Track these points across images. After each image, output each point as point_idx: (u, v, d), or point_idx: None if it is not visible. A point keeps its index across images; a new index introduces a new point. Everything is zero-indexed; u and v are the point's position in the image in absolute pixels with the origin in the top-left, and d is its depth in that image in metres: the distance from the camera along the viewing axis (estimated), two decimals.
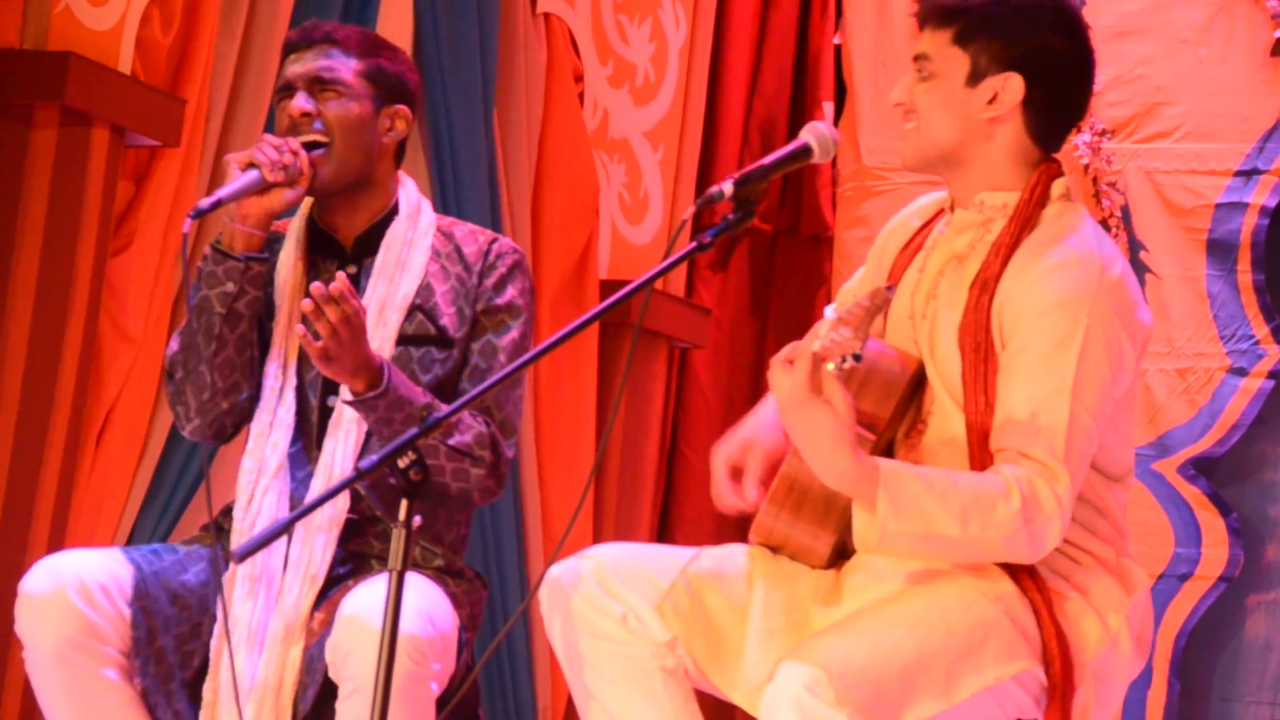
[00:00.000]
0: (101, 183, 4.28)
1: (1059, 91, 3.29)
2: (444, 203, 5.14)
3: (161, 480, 4.49)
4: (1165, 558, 5.90)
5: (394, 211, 3.66)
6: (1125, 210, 6.04)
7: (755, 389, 6.23)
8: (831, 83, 6.57)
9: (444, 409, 3.45)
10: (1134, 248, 6.00)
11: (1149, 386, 5.90)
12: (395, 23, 5.10)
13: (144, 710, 3.40)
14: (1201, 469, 5.92)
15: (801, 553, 3.28)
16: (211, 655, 3.44)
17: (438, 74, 5.16)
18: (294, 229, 3.67)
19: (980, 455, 3.16)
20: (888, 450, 3.28)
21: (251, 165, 3.48)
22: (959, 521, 3.04)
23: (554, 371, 5.60)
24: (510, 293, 3.64)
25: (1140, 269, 5.96)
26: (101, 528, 4.36)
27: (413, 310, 3.59)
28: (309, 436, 3.58)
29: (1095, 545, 3.24)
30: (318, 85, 3.60)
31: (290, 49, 3.65)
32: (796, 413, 3.02)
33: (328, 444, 3.54)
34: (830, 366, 2.97)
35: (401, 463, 2.84)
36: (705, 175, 6.31)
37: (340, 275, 3.39)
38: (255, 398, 3.59)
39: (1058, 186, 3.30)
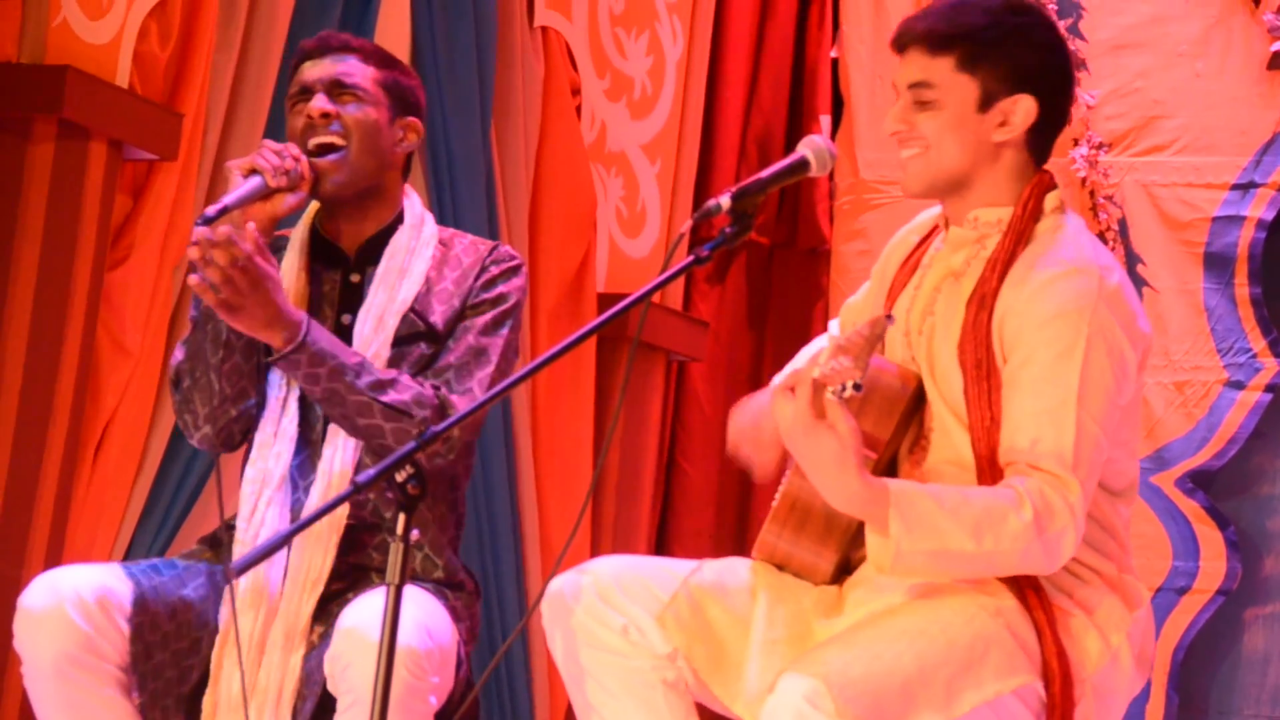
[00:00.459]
0: (99, 196, 4.28)
1: (1059, 107, 3.31)
2: (441, 215, 5.14)
3: (159, 493, 4.49)
4: (1163, 571, 5.90)
5: (398, 221, 3.67)
6: (1122, 223, 6.04)
7: None
8: (829, 96, 6.57)
9: (379, 371, 3.45)
10: (1131, 261, 6.00)
11: (1147, 400, 5.90)
12: (392, 36, 5.10)
13: None
14: (1199, 482, 5.92)
15: (804, 571, 3.28)
16: (211, 668, 3.44)
17: (435, 87, 5.16)
18: (297, 237, 3.67)
19: (989, 471, 3.16)
20: (891, 468, 3.28)
21: (254, 171, 3.48)
22: (972, 536, 3.04)
23: (552, 385, 5.60)
24: (499, 288, 3.63)
25: (1137, 282, 5.96)
26: (99, 541, 4.36)
27: (406, 313, 3.59)
28: (313, 447, 3.58)
29: (1097, 561, 3.24)
30: (336, 89, 3.61)
31: (305, 56, 3.66)
32: (801, 440, 3.03)
33: (326, 452, 3.54)
34: (830, 394, 2.98)
35: (399, 476, 2.84)
36: (702, 189, 6.31)
37: (246, 228, 3.36)
38: (261, 406, 3.59)
39: (1051, 199, 3.30)
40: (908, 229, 3.51)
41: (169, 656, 3.44)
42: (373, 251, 3.65)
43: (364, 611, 3.29)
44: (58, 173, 4.23)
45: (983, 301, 3.22)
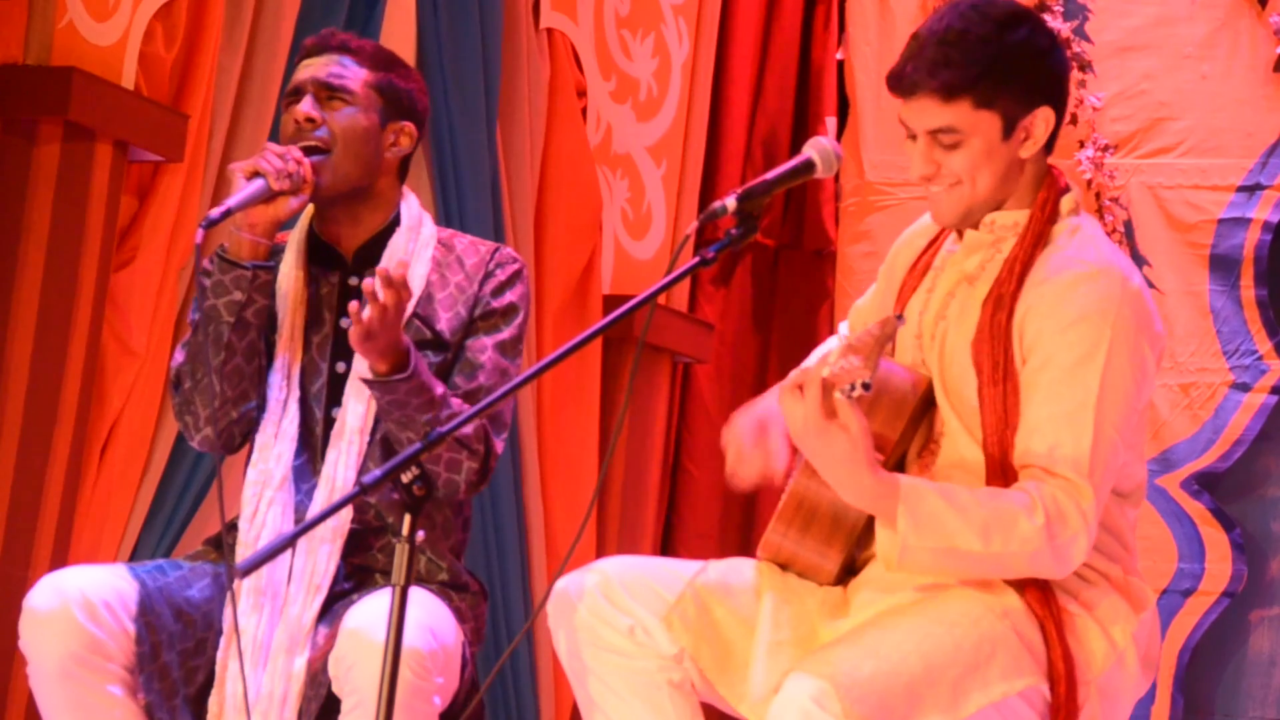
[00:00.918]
0: (105, 198, 4.28)
1: (1066, 99, 3.32)
2: (446, 217, 5.14)
3: (165, 495, 4.49)
4: (1169, 573, 5.89)
5: (395, 223, 3.66)
6: (1128, 225, 6.04)
7: None
8: (834, 98, 6.57)
9: (454, 403, 3.46)
10: (1137, 263, 5.99)
11: (1153, 402, 5.89)
12: (398, 37, 5.10)
13: None
14: (1205, 484, 5.92)
15: (810, 570, 3.28)
16: (217, 669, 3.44)
17: (441, 89, 5.16)
18: (294, 240, 3.67)
19: (1001, 472, 3.16)
20: (899, 470, 3.27)
21: (257, 174, 3.48)
22: (980, 537, 3.06)
23: (557, 386, 5.60)
24: (508, 297, 3.63)
25: None
26: (105, 542, 4.36)
27: (410, 319, 3.59)
28: (313, 449, 3.58)
29: (1103, 563, 3.24)
30: (325, 91, 3.60)
31: (306, 54, 3.66)
32: (812, 439, 3.06)
33: (330, 455, 3.54)
34: (839, 394, 2.99)
35: (405, 477, 2.84)
36: (708, 190, 6.31)
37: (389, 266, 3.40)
38: (262, 408, 3.59)
39: (1067, 201, 3.30)
40: (914, 229, 3.51)
41: (175, 657, 3.44)
42: (371, 254, 3.64)
43: (368, 613, 3.29)
44: (63, 174, 4.23)
45: (1000, 302, 3.21)
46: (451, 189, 5.20)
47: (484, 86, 5.30)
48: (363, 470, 3.52)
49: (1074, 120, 5.97)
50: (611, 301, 5.77)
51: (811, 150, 3.19)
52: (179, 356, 3.60)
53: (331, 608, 3.47)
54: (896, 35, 6.32)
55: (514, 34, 5.45)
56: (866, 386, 2.98)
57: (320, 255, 3.67)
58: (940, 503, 3.07)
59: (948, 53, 3.20)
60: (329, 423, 3.56)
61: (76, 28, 4.25)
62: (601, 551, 5.64)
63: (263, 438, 3.57)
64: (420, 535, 2.85)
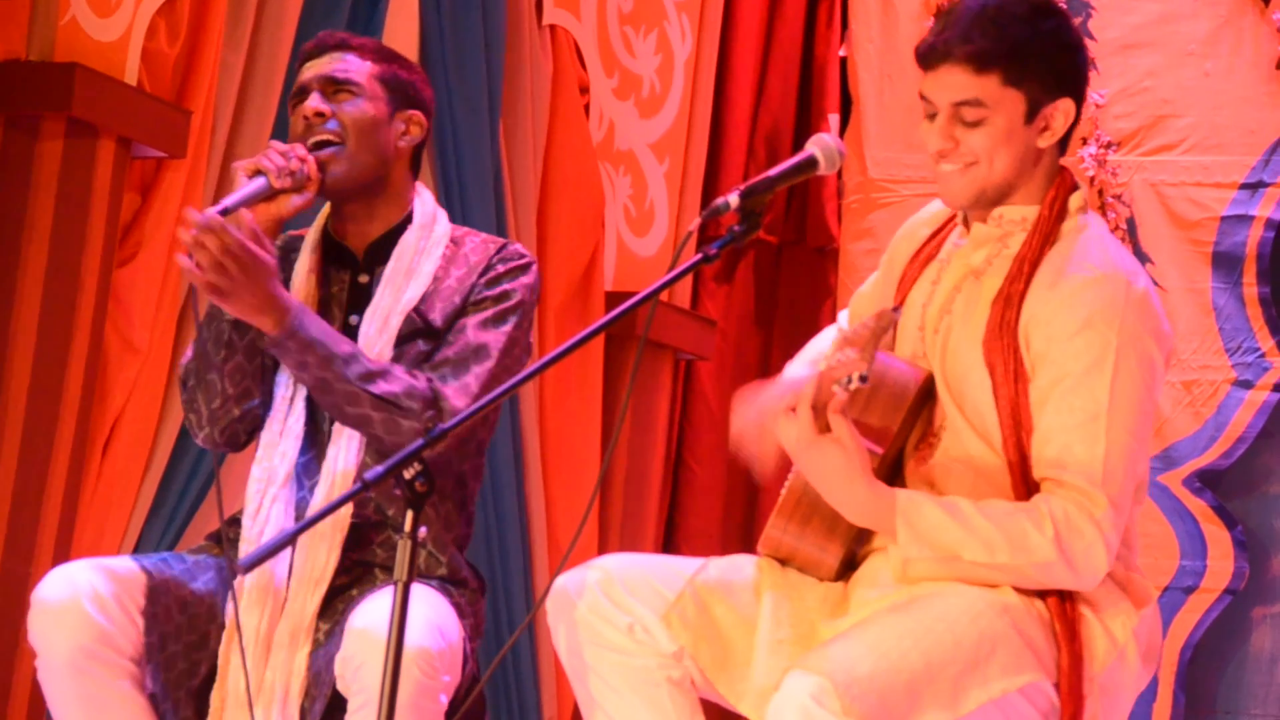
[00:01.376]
0: (107, 194, 4.28)
1: (1084, 103, 3.32)
2: (450, 214, 5.09)
3: (167, 490, 4.49)
4: (1170, 570, 5.89)
5: (408, 221, 3.66)
6: (1131, 223, 6.04)
7: None
8: (837, 95, 6.56)
9: (371, 362, 3.45)
10: (1139, 260, 5.98)
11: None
12: (401, 34, 5.10)
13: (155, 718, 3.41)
14: (1207, 481, 5.92)
15: (810, 565, 3.28)
16: (219, 663, 3.44)
17: (443, 85, 5.17)
18: (309, 239, 3.68)
19: (1022, 478, 3.17)
20: (897, 462, 3.28)
21: (259, 172, 3.48)
22: (985, 549, 3.08)
23: (559, 383, 5.60)
24: (504, 286, 3.61)
25: None
26: (107, 538, 4.36)
27: (409, 314, 3.59)
28: (319, 447, 3.58)
29: None
30: (332, 86, 3.62)
31: (305, 58, 3.67)
32: (807, 456, 3.10)
33: (331, 451, 3.54)
34: (836, 387, 3.00)
35: (407, 473, 2.84)
36: (711, 187, 6.31)
37: (241, 214, 3.39)
38: (267, 406, 3.59)
39: (1075, 199, 3.30)
40: (917, 219, 3.51)
41: (181, 649, 3.44)
42: (381, 252, 3.65)
43: (375, 612, 3.28)
44: (66, 170, 4.23)
45: (1009, 301, 3.22)
46: (454, 186, 5.21)
47: (487, 83, 5.30)
48: (363, 466, 3.52)
49: None
50: (614, 298, 5.77)
51: (814, 147, 3.20)
52: (187, 354, 3.62)
53: (331, 602, 3.47)
54: (900, 32, 6.32)
55: (517, 30, 5.45)
56: (863, 379, 2.99)
57: (333, 254, 3.67)
58: (940, 514, 3.09)
59: (984, 25, 3.22)
60: (334, 420, 3.56)
61: (79, 24, 4.25)
62: (603, 548, 5.64)
63: (268, 434, 3.57)
64: (423, 531, 2.85)
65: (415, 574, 2.85)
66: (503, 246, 3.67)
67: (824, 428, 3.07)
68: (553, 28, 5.65)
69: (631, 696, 3.18)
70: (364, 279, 3.64)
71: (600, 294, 5.74)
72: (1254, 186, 5.98)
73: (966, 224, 3.36)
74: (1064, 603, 3.16)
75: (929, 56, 3.26)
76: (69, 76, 4.17)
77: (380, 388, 3.45)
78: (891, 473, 3.26)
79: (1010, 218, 3.30)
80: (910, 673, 3.01)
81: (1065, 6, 6.07)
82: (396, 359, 3.55)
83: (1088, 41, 6.09)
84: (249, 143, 4.60)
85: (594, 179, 5.74)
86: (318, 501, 3.52)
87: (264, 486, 3.54)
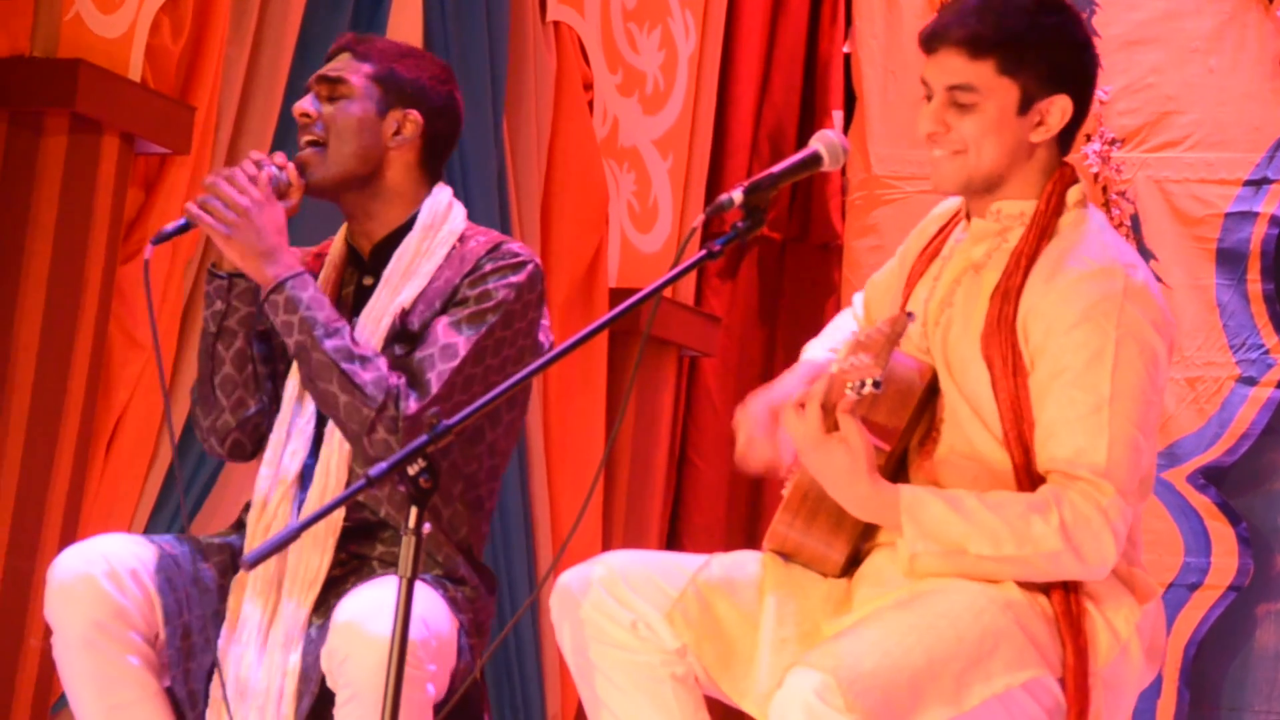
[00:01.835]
0: (111, 190, 4.28)
1: (1088, 102, 3.32)
2: None
3: (171, 487, 4.49)
4: (1175, 567, 5.89)
5: (414, 221, 3.65)
6: (1135, 219, 6.04)
7: None
8: (841, 91, 6.57)
9: (355, 344, 3.45)
10: (1143, 257, 5.99)
11: None
12: (405, 29, 5.10)
13: (165, 699, 3.42)
14: (1211, 478, 5.92)
15: (815, 561, 3.28)
16: (218, 656, 3.45)
17: None
18: (335, 243, 3.71)
19: (1026, 472, 3.17)
20: (902, 460, 3.28)
21: (205, 209, 3.50)
22: (990, 541, 3.09)
23: (563, 379, 5.60)
24: (484, 286, 3.58)
25: None
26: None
27: (394, 317, 3.59)
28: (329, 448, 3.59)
29: None
30: (326, 86, 3.63)
31: (325, 59, 3.70)
32: (814, 454, 3.11)
33: (323, 452, 3.55)
34: (849, 390, 3.01)
35: (411, 470, 2.84)
36: (714, 183, 6.31)
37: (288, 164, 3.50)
38: (271, 413, 3.60)
39: (1073, 193, 3.30)
40: (930, 217, 3.52)
41: (194, 620, 3.46)
42: (386, 253, 3.65)
43: (360, 604, 3.29)
44: (70, 166, 4.23)
45: (1007, 295, 3.22)
46: (458, 182, 5.20)
47: (490, 79, 5.30)
48: (351, 474, 3.53)
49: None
50: (618, 295, 5.77)
51: (818, 144, 3.20)
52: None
53: (324, 598, 3.47)
54: (903, 29, 6.33)
55: (520, 27, 5.45)
56: (877, 385, 3.00)
57: (351, 259, 3.70)
58: (943, 509, 3.10)
59: (984, 12, 3.24)
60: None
61: (83, 20, 4.25)
62: (607, 544, 5.64)
63: (276, 434, 3.59)
64: (426, 528, 2.84)
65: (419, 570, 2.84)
66: (496, 245, 3.62)
67: (832, 426, 3.08)
68: (556, 24, 5.65)
69: (636, 693, 3.19)
70: (369, 281, 3.64)
71: (604, 290, 5.74)
72: (1258, 183, 5.99)
73: (969, 219, 3.36)
74: (1068, 598, 3.16)
75: (930, 40, 3.29)
76: (73, 72, 4.18)
77: (352, 368, 3.45)
78: (897, 469, 3.27)
79: (1009, 212, 3.30)
80: (913, 669, 3.01)
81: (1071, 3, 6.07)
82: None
83: (1091, 38, 6.09)
84: (253, 138, 4.60)
85: (598, 175, 5.74)
86: (311, 501, 3.52)
87: (270, 485, 3.55)
